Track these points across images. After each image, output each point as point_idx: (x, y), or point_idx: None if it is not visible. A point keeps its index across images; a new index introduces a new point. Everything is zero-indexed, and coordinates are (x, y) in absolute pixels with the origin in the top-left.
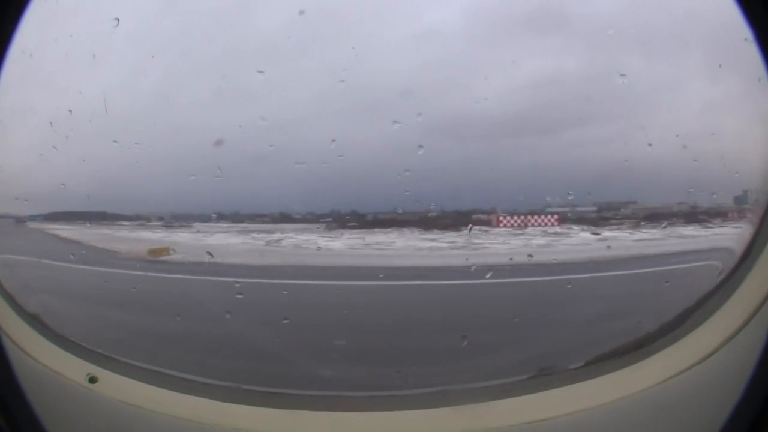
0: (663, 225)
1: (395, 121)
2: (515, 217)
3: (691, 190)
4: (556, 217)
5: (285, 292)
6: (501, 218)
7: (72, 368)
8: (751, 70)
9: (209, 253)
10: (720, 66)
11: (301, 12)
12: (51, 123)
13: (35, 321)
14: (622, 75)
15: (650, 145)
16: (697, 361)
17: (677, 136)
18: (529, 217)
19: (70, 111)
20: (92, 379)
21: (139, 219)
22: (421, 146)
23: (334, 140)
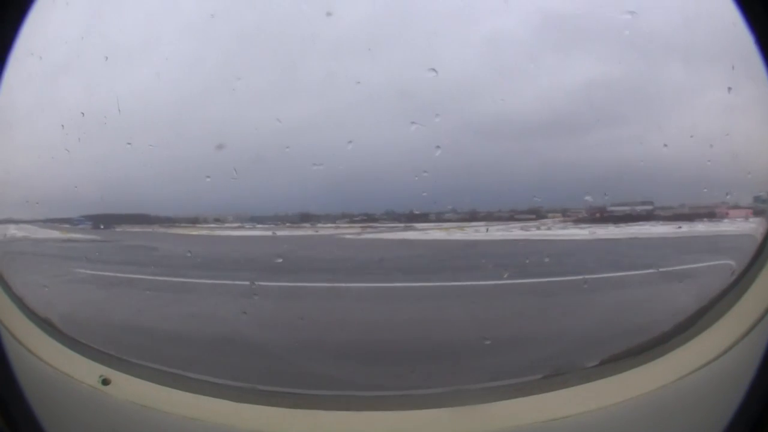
0: None
1: (413, 122)
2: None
3: (706, 189)
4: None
5: None
6: (728, 210)
7: (84, 371)
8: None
9: None
10: (733, 68)
11: (329, 14)
12: (62, 126)
13: (46, 324)
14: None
15: (666, 145)
16: (709, 360)
17: (692, 136)
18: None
19: (83, 113)
20: (105, 382)
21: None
22: (439, 147)
23: (350, 141)
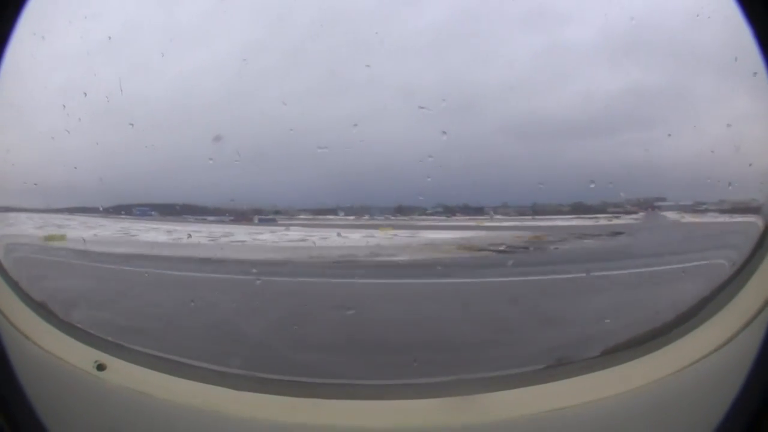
0: None
1: (421, 107)
2: None
3: (709, 180)
4: None
5: None
6: None
7: (79, 356)
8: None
9: None
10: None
11: None
12: (64, 105)
13: (42, 309)
14: None
15: (669, 135)
16: (708, 352)
17: (695, 127)
18: None
19: (85, 93)
20: (100, 367)
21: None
22: (444, 132)
23: (356, 125)
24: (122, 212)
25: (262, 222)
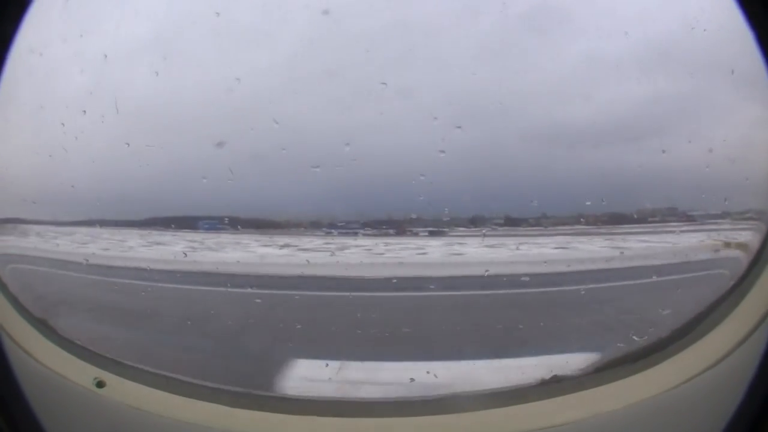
0: None
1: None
2: None
3: (704, 195)
4: None
5: None
6: None
7: (79, 372)
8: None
9: None
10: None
11: (325, 12)
12: (63, 123)
13: (41, 324)
14: None
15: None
16: (706, 367)
17: (690, 142)
18: None
19: (84, 111)
20: (99, 384)
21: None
22: (442, 151)
23: (347, 144)
24: (174, 225)
25: (432, 234)
